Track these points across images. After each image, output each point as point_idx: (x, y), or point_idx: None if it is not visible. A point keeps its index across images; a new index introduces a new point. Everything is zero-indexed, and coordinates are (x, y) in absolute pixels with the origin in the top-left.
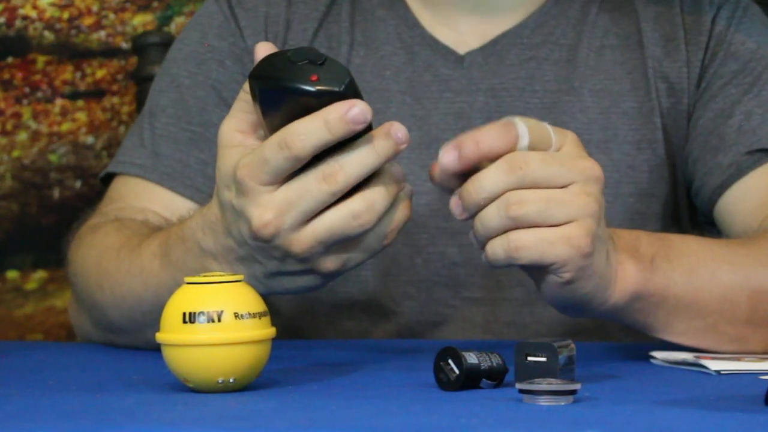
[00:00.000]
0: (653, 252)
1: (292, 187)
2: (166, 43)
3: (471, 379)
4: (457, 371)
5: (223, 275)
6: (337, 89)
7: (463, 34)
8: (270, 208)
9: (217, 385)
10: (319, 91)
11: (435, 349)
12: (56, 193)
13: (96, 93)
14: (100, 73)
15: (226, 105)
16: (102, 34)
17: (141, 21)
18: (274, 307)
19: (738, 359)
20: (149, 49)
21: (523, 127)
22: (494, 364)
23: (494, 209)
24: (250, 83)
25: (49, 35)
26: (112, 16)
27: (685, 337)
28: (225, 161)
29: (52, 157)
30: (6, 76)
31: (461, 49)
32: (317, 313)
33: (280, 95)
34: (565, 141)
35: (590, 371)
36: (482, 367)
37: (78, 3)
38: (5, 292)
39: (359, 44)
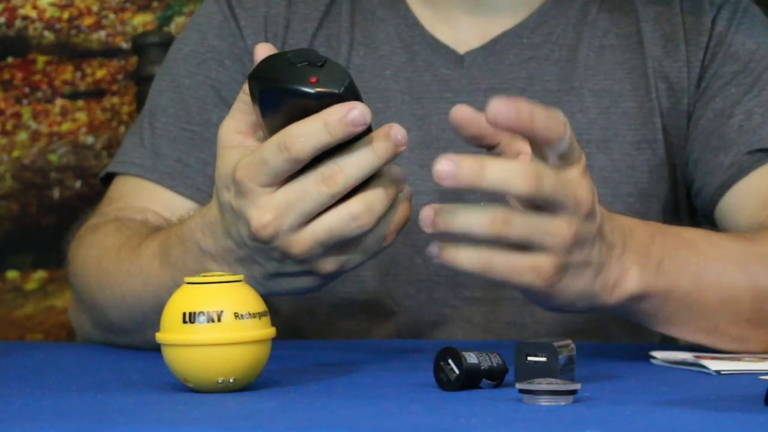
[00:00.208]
0: (663, 254)
1: (292, 188)
2: (166, 43)
3: (471, 379)
4: (457, 371)
5: (223, 275)
6: (336, 91)
7: (463, 33)
8: (269, 210)
9: (217, 385)
10: (318, 92)
11: (435, 349)
12: (56, 193)
13: (96, 93)
14: (100, 73)
15: (226, 105)
16: (102, 34)
17: (141, 21)
18: (274, 307)
19: (738, 359)
20: (149, 49)
21: (568, 131)
22: (494, 364)
23: (483, 219)
24: (249, 84)
25: (49, 35)
26: (112, 16)
27: (686, 333)
28: (224, 162)
29: (52, 157)
30: (6, 76)
31: (461, 49)
32: (317, 313)
33: (280, 97)
34: (579, 160)
35: (590, 371)
36: (482, 367)
37: (78, 3)
38: (5, 292)
39: (359, 44)
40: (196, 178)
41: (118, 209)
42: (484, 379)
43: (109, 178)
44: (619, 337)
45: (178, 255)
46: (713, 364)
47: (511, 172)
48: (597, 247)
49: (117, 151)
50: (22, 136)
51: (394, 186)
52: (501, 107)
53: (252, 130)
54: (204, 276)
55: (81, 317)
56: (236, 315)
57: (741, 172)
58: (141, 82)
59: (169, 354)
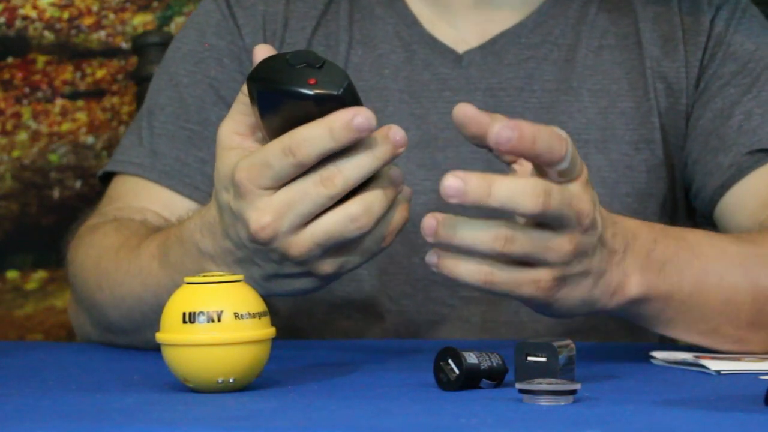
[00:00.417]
0: (666, 257)
1: (291, 190)
2: (166, 43)
3: (471, 379)
4: (457, 371)
5: (223, 275)
6: (335, 93)
7: (462, 32)
8: (268, 211)
9: (217, 385)
10: (317, 94)
11: (435, 349)
12: (56, 193)
13: (96, 93)
14: (100, 73)
15: (225, 103)
16: (102, 34)
17: (141, 21)
18: (273, 307)
19: (738, 359)
20: (149, 49)
21: (569, 150)
22: (494, 364)
23: (486, 236)
24: (248, 86)
25: (49, 35)
26: (112, 16)
27: (686, 335)
28: (223, 163)
29: (52, 157)
30: (6, 76)
31: (460, 48)
32: (315, 312)
33: (279, 98)
34: (581, 173)
35: (590, 371)
36: (482, 367)
37: (78, 3)
38: (5, 292)
39: (358, 42)
40: (195, 176)
41: (117, 209)
42: (484, 379)
43: (107, 177)
44: (618, 335)
45: (177, 256)
46: (713, 364)
47: (519, 190)
48: (597, 256)
49: (115, 150)
50: (22, 136)
51: (393, 187)
52: (503, 131)
53: (251, 131)
54: (204, 276)
55: (80, 317)
56: (236, 315)
57: (740, 172)
58: (141, 82)
59: (169, 354)
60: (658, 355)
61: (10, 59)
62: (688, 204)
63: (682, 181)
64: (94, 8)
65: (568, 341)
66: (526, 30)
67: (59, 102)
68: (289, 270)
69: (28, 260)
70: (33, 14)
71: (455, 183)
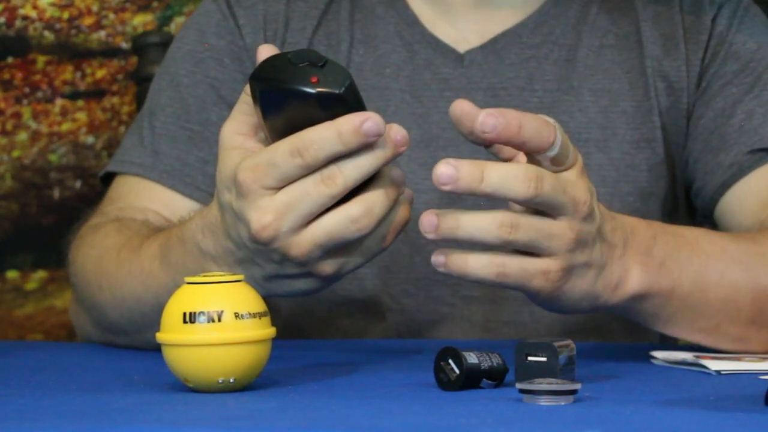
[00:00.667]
0: (665, 254)
1: (292, 189)
2: (166, 43)
3: (471, 379)
4: (457, 371)
5: (224, 275)
6: (337, 91)
7: (463, 32)
8: (269, 211)
9: (217, 385)
10: (319, 93)
11: (435, 349)
12: (56, 193)
13: (96, 93)
14: (100, 73)
15: (225, 103)
16: (102, 34)
17: (141, 21)
18: (274, 306)
19: (738, 359)
20: (149, 49)
21: (559, 137)
22: (494, 364)
23: (490, 225)
24: (250, 85)
25: (49, 35)
26: (112, 16)
27: (687, 334)
28: (225, 163)
29: (52, 157)
30: (6, 76)
31: (461, 48)
32: (316, 311)
33: (280, 97)
34: (576, 162)
35: (590, 371)
36: (482, 367)
37: (78, 3)
38: (5, 292)
39: (359, 42)
40: (196, 176)
41: (118, 209)
42: (484, 379)
43: (108, 178)
44: (618, 335)
45: (178, 256)
46: (713, 364)
47: (511, 175)
48: (597, 248)
49: (116, 150)
50: (22, 136)
51: (395, 188)
52: (488, 119)
53: (253, 131)
54: (204, 276)
55: (81, 317)
56: (236, 315)
57: (741, 171)
58: (141, 82)
59: (169, 354)
60: (658, 355)
61: (10, 59)
62: (688, 203)
63: (682, 179)
64: (94, 8)
65: (568, 341)
66: (527, 30)
67: (59, 102)
68: (289, 270)
69: (28, 260)
70: (33, 14)
71: (448, 170)
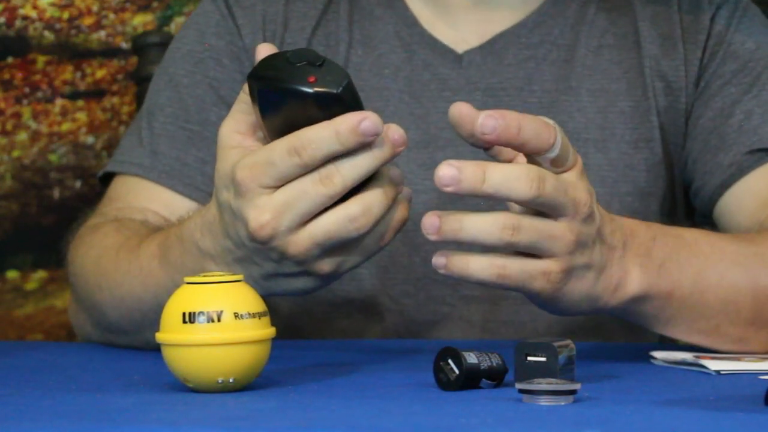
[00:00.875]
0: (665, 255)
1: (290, 189)
2: (166, 43)
3: (471, 379)
4: (457, 371)
5: (223, 275)
6: (334, 91)
7: (461, 32)
8: (267, 210)
9: (217, 385)
10: (316, 92)
11: (435, 349)
12: (56, 193)
13: (96, 93)
14: (100, 73)
15: (224, 104)
16: (102, 34)
17: (141, 21)
18: (273, 306)
19: (738, 359)
20: (149, 49)
21: (559, 138)
22: (494, 364)
23: (493, 227)
24: (248, 84)
25: (49, 35)
26: (112, 16)
27: (687, 334)
28: (224, 162)
29: (52, 157)
30: (6, 76)
31: (460, 48)
32: (315, 311)
33: (278, 96)
34: (575, 164)
35: (590, 371)
36: (482, 367)
37: (78, 3)
38: (5, 292)
39: (357, 43)
40: (195, 176)
41: (117, 209)
42: (484, 379)
43: (107, 178)
44: (617, 335)
45: (177, 255)
46: (713, 364)
47: (513, 176)
48: (597, 249)
49: (115, 150)
50: (22, 136)
51: (393, 187)
52: (488, 120)
53: (252, 130)
54: (204, 276)
55: (80, 317)
56: (236, 315)
57: (740, 171)
58: (141, 82)
59: (169, 354)
60: (658, 355)
61: (10, 59)
62: (687, 203)
63: (681, 179)
64: (94, 8)
65: (568, 341)
66: (525, 30)
67: (59, 102)
68: (288, 269)
69: (28, 260)
70: (33, 14)
71: (450, 171)
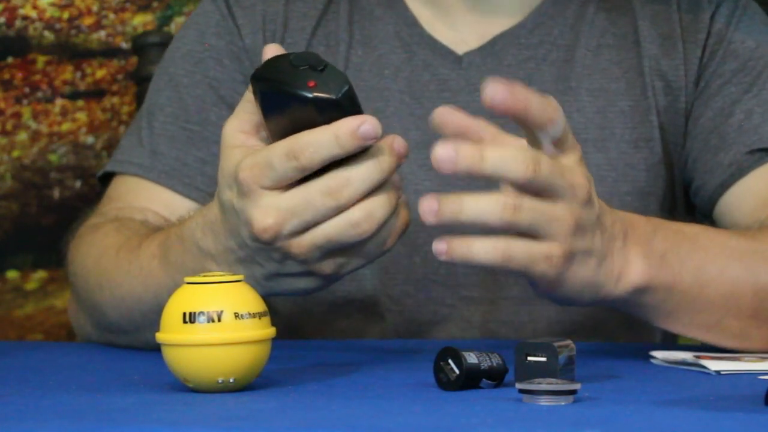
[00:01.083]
0: (666, 247)
1: (296, 196)
2: (166, 43)
3: (471, 379)
4: (457, 371)
5: (223, 275)
6: (332, 97)
7: (461, 33)
8: (271, 213)
9: (217, 385)
10: (315, 97)
11: (435, 349)
12: (56, 193)
13: (96, 93)
14: (100, 73)
15: (224, 103)
16: (102, 34)
17: (141, 21)
18: (273, 306)
19: (738, 359)
20: (149, 49)
21: (562, 116)
22: (494, 364)
23: (494, 207)
24: (252, 84)
25: (49, 35)
26: (112, 16)
27: (688, 329)
28: (227, 161)
29: (52, 157)
30: (6, 76)
31: (460, 49)
32: (315, 311)
33: (278, 98)
34: (574, 149)
35: (590, 371)
36: (482, 367)
37: (78, 3)
38: (5, 292)
39: (357, 43)
40: (195, 177)
41: (117, 209)
42: (484, 379)
43: (106, 177)
44: (618, 334)
45: (178, 255)
46: (713, 364)
47: (510, 156)
48: (598, 236)
49: (115, 150)
50: (22, 136)
51: (395, 193)
52: (498, 88)
53: (255, 129)
54: (204, 276)
55: (80, 317)
56: (236, 315)
57: (741, 171)
58: (141, 82)
59: (169, 354)
60: (658, 355)
61: (10, 59)
62: (687, 202)
63: (681, 179)
64: (94, 8)
65: (568, 341)
66: (525, 31)
67: (59, 102)
68: (290, 269)
69: (28, 260)
70: (33, 14)
71: (447, 151)
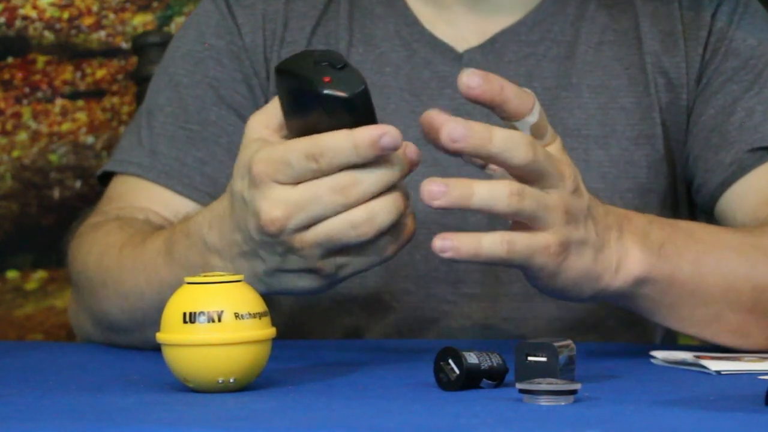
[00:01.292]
0: (663, 239)
1: (306, 191)
2: (166, 43)
3: (471, 379)
4: (457, 371)
5: (224, 275)
6: (344, 95)
7: (461, 31)
8: (279, 206)
9: (217, 385)
10: (327, 94)
11: (435, 349)
12: (56, 193)
13: (96, 93)
14: (100, 73)
15: (224, 103)
16: (102, 34)
17: (141, 21)
18: (275, 303)
19: (738, 359)
20: (149, 49)
21: (537, 106)
22: (494, 364)
23: (502, 193)
24: (275, 75)
25: (49, 35)
26: (112, 16)
27: (688, 324)
28: (245, 152)
29: (52, 157)
30: (6, 76)
31: (460, 47)
32: (316, 308)
33: (295, 91)
34: (555, 140)
35: (590, 371)
36: (482, 367)
37: (78, 3)
38: (5, 292)
39: (358, 41)
40: (194, 177)
41: (118, 209)
42: (484, 379)
43: (106, 177)
44: (617, 332)
45: (182, 250)
46: (713, 364)
47: (514, 138)
48: (591, 226)
49: (114, 150)
50: (22, 136)
51: (403, 201)
52: (473, 75)
53: (279, 127)
54: (204, 276)
55: (81, 317)
56: (236, 315)
57: (742, 170)
58: (141, 82)
59: (169, 354)
60: (658, 355)
61: (10, 59)
62: (689, 200)
63: (683, 176)
64: (94, 8)
65: (568, 341)
66: (525, 28)
67: (59, 102)
68: (291, 265)
69: (28, 260)
70: (33, 14)
71: (459, 130)
